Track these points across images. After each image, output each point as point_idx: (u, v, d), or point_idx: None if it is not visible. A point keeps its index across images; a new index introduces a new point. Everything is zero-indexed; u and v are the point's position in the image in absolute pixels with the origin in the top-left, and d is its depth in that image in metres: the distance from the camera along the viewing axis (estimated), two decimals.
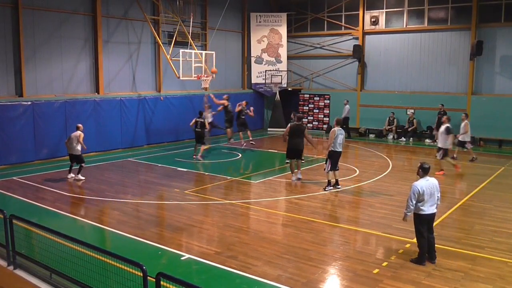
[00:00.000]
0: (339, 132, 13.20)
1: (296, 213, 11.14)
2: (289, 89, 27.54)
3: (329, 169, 13.21)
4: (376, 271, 7.82)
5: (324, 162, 13.67)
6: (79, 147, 14.49)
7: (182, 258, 8.39)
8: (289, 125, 14.62)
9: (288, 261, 8.21)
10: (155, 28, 20.90)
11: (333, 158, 13.19)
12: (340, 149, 13.24)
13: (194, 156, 17.97)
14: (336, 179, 13.45)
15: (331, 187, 13.31)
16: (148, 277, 5.37)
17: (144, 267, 5.36)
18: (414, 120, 23.12)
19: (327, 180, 13.37)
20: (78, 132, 14.46)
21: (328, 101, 26.90)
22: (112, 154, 18.87)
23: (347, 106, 24.21)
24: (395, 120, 23.80)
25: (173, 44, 20.43)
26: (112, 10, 19.76)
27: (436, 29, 23.15)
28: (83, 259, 6.85)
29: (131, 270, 6.20)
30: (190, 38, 20.84)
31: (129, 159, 18.13)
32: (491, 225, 10.31)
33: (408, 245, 9.00)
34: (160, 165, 16.87)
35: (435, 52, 23.30)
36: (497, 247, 8.96)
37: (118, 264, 6.50)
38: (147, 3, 21.05)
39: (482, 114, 21.93)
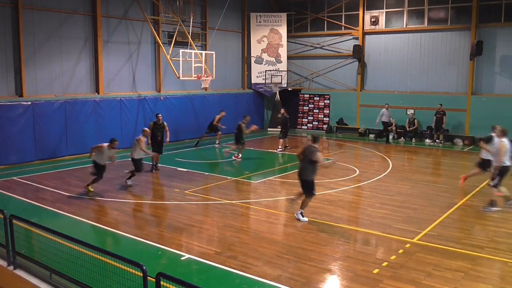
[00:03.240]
0: (509, 145, 11.28)
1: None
2: (289, 89, 27.54)
3: (496, 185, 11.40)
4: (376, 271, 7.82)
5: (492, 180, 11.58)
6: (137, 151, 13.97)
7: (182, 258, 8.39)
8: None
9: (288, 261, 8.21)
10: (155, 28, 20.90)
11: (504, 174, 11.32)
12: (510, 163, 11.36)
13: (234, 157, 18.00)
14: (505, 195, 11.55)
15: (493, 208, 11.35)
16: (148, 277, 5.36)
17: (144, 267, 5.36)
18: (415, 120, 23.11)
19: (490, 199, 11.58)
20: (139, 136, 14.20)
21: (328, 101, 26.90)
22: None
23: (384, 110, 22.67)
24: (393, 121, 23.78)
25: (173, 44, 20.44)
26: (112, 10, 19.76)
27: (436, 29, 23.15)
28: (83, 259, 6.85)
29: (131, 270, 6.20)
30: (190, 38, 20.85)
31: (129, 159, 18.07)
32: (491, 225, 10.31)
33: (408, 245, 9.00)
34: (160, 165, 16.84)
35: (435, 52, 23.30)
36: (497, 247, 8.96)
37: (118, 264, 6.49)
38: (147, 3, 21.04)
39: (482, 114, 21.92)
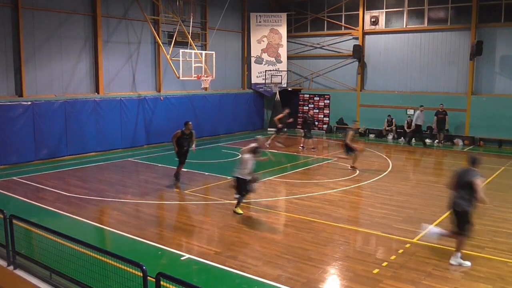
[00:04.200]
0: None
1: (296, 213, 11.14)
2: (289, 89, 27.54)
3: None
4: (376, 271, 7.82)
5: None
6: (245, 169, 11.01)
7: (182, 258, 8.39)
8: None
9: (288, 261, 8.21)
10: (155, 28, 20.89)
11: None
12: None
13: (350, 167, 16.48)
14: None
15: None
16: (148, 277, 5.36)
17: (144, 267, 5.36)
18: (413, 121, 23.12)
19: None
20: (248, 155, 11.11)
21: (328, 101, 26.90)
22: (112, 154, 18.88)
23: (418, 112, 22.04)
24: (393, 120, 23.84)
25: (173, 44, 20.43)
26: (112, 10, 19.76)
27: (436, 29, 23.16)
28: (83, 259, 6.85)
29: (131, 270, 6.20)
30: (190, 38, 20.85)
31: (129, 159, 18.13)
32: (491, 225, 10.31)
33: (408, 245, 9.00)
34: (160, 165, 16.86)
35: (435, 52, 23.31)
36: (497, 247, 8.96)
37: (118, 264, 6.50)
38: (147, 3, 21.04)
39: (482, 114, 21.94)
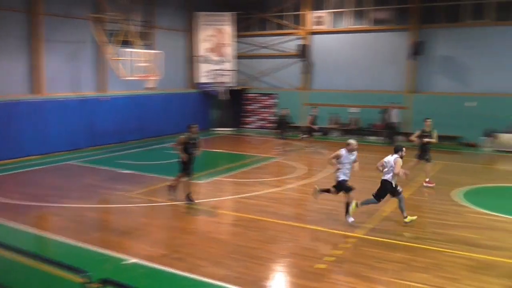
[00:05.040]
0: None
1: (243, 212, 11.20)
2: (236, 88, 27.57)
3: None
4: (321, 266, 7.99)
5: None
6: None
7: (128, 262, 8.22)
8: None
9: (235, 261, 8.25)
10: (98, 27, 20.29)
11: None
12: None
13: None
14: None
15: None
16: (92, 284, 5.22)
17: (88, 273, 5.22)
18: (357, 120, 23.83)
19: None
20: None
21: (274, 100, 27.16)
22: (53, 157, 18.18)
23: (395, 110, 22.68)
24: (338, 119, 24.46)
25: (117, 43, 19.93)
26: (53, 7, 18.99)
27: (379, 30, 23.96)
28: (23, 269, 6.58)
29: (74, 277, 6.02)
30: (134, 37, 20.43)
31: (71, 162, 17.53)
32: (431, 218, 10.84)
33: (352, 240, 9.26)
34: (103, 167, 16.43)
35: (378, 51, 24.10)
36: (435, 238, 9.42)
37: (60, 272, 6.29)
38: (90, 0, 20.40)
39: (422, 112, 22.80)
